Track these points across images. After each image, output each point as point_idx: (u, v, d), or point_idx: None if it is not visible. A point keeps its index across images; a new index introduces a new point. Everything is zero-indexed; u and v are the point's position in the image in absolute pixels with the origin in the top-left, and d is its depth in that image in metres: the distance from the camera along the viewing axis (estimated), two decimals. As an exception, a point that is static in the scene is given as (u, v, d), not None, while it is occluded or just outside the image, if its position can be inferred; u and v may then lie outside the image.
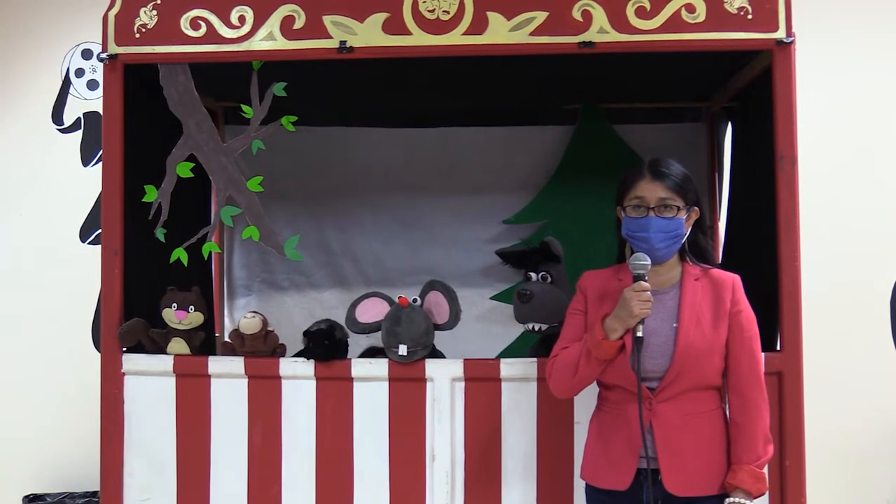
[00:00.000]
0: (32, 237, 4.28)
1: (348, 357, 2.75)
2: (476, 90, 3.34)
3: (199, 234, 2.77)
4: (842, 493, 3.92)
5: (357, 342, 2.93)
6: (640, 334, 2.15)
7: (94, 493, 3.88)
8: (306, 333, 2.72)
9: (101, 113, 2.82)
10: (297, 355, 2.73)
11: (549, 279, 2.81)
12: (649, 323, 2.18)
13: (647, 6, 2.61)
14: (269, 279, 3.91)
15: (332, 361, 2.69)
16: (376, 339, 2.78)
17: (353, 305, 2.80)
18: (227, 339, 2.86)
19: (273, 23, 2.69)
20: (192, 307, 2.77)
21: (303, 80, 2.73)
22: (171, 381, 2.75)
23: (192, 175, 2.76)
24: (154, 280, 2.84)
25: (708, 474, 2.20)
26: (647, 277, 2.16)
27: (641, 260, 2.16)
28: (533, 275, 2.83)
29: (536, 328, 2.79)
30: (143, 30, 2.73)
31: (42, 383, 4.21)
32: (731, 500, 2.15)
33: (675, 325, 2.21)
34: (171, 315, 2.77)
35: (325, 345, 2.67)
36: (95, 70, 4.30)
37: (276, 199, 3.53)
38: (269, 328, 2.77)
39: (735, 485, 2.16)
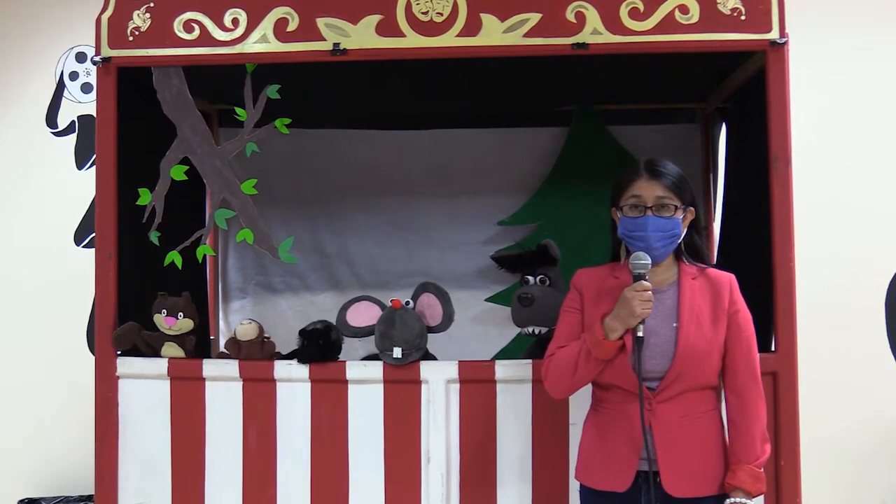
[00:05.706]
0: (27, 241, 4.26)
1: (342, 359, 2.74)
2: (470, 92, 3.34)
3: (193, 237, 2.76)
4: (838, 494, 3.91)
5: (353, 347, 2.92)
6: (640, 334, 2.14)
7: (90, 497, 3.87)
8: (302, 332, 2.72)
9: (95, 116, 2.82)
10: (291, 354, 2.73)
11: (548, 282, 2.81)
12: (648, 322, 2.16)
13: (641, 7, 2.61)
14: (263, 282, 3.91)
15: (326, 364, 2.69)
16: (369, 343, 2.78)
17: (344, 309, 2.79)
18: (222, 345, 2.85)
19: (266, 25, 2.68)
20: (181, 314, 2.75)
21: (297, 83, 2.72)
22: (165, 385, 2.74)
23: (186, 178, 2.76)
24: (148, 283, 2.83)
25: (707, 475, 2.19)
26: (647, 277, 2.15)
27: (642, 259, 2.14)
28: (531, 278, 2.82)
29: (535, 331, 2.79)
30: (137, 33, 2.73)
31: (37, 387, 4.19)
32: (731, 500, 2.14)
33: (674, 324, 2.19)
34: (162, 321, 2.76)
35: (320, 344, 2.66)
36: (89, 73, 4.28)
37: (271, 202, 3.52)
38: (266, 335, 2.76)
39: (734, 485, 2.15)
